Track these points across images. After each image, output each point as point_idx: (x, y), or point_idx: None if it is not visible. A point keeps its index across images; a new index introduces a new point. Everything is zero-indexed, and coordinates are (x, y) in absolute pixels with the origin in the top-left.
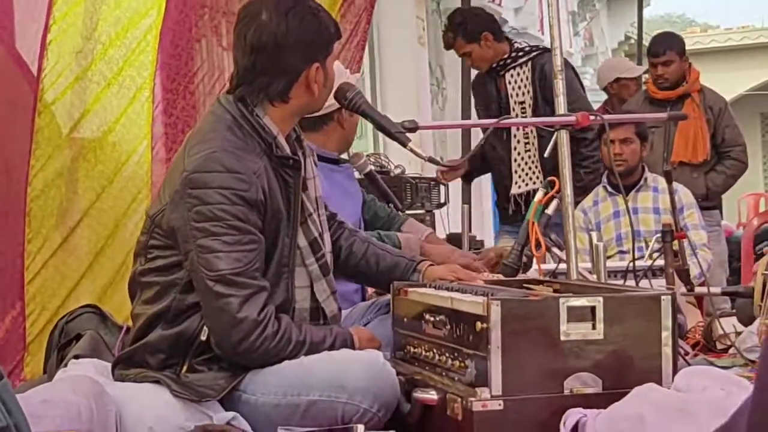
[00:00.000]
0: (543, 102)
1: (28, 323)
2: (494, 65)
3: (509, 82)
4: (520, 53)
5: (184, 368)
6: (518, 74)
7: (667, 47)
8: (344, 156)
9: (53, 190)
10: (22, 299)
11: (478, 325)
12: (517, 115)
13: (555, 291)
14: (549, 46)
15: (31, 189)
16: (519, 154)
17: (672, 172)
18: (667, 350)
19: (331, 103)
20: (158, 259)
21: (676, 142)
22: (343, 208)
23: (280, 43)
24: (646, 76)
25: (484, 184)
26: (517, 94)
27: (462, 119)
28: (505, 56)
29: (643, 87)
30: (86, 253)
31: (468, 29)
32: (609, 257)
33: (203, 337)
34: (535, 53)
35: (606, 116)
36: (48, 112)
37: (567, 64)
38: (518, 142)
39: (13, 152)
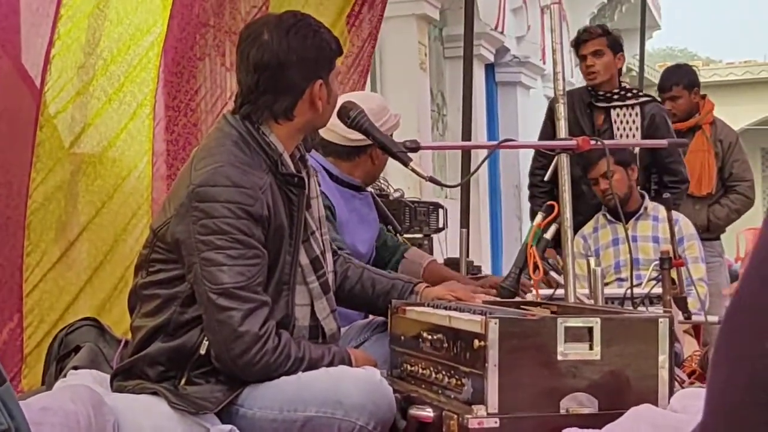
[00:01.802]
0: (647, 150)
1: (25, 335)
2: (600, 95)
3: (615, 120)
4: (629, 94)
5: (183, 381)
6: (627, 114)
7: (673, 82)
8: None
9: (53, 204)
10: (21, 311)
11: (476, 343)
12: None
13: (552, 313)
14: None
15: (31, 201)
16: None
17: (670, 199)
18: (663, 373)
19: (363, 137)
20: (160, 273)
21: None
22: (359, 235)
23: (283, 62)
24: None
25: (482, 209)
26: (623, 135)
27: None
28: (614, 90)
29: None
30: (85, 268)
31: (617, 41)
32: (607, 284)
33: (202, 351)
34: (643, 98)
35: (607, 141)
36: (50, 125)
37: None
38: None
39: (14, 164)
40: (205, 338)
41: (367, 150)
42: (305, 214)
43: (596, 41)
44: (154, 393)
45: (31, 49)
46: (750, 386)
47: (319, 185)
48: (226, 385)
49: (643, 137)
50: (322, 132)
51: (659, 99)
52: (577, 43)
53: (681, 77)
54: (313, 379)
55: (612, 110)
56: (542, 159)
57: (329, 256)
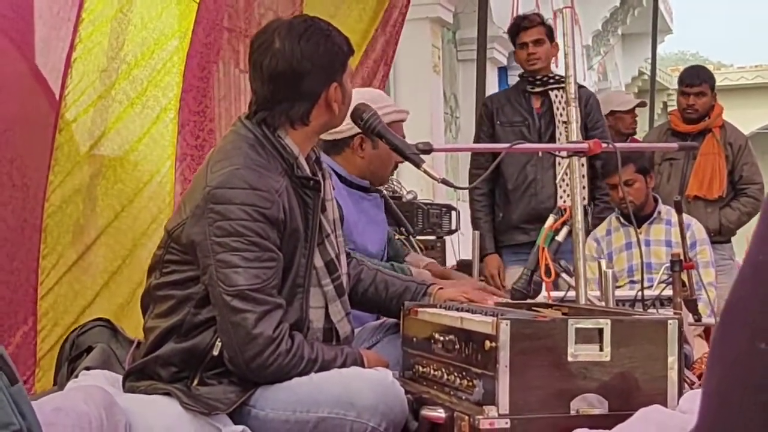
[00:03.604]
0: (583, 128)
1: (39, 339)
2: (537, 80)
3: (554, 101)
4: (563, 78)
5: (195, 381)
6: (564, 96)
7: (702, 79)
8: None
9: (70, 207)
10: (35, 315)
11: (487, 344)
12: (560, 133)
13: (563, 314)
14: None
15: (48, 205)
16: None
17: (682, 202)
18: (672, 374)
19: (347, 128)
20: (174, 273)
21: (693, 176)
22: (369, 236)
23: (297, 70)
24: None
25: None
26: (562, 115)
27: None
28: (549, 75)
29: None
30: (102, 272)
31: (551, 30)
32: (619, 287)
33: (215, 352)
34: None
35: (618, 144)
36: (69, 129)
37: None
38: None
39: (31, 167)
40: (218, 339)
41: (348, 142)
42: (320, 217)
43: (536, 29)
44: (167, 394)
45: (50, 52)
46: (743, 387)
47: (333, 188)
48: (238, 386)
49: (581, 114)
50: None
51: (683, 93)
52: (517, 31)
53: (709, 77)
54: (325, 380)
55: (550, 92)
56: (480, 158)
57: (344, 258)
